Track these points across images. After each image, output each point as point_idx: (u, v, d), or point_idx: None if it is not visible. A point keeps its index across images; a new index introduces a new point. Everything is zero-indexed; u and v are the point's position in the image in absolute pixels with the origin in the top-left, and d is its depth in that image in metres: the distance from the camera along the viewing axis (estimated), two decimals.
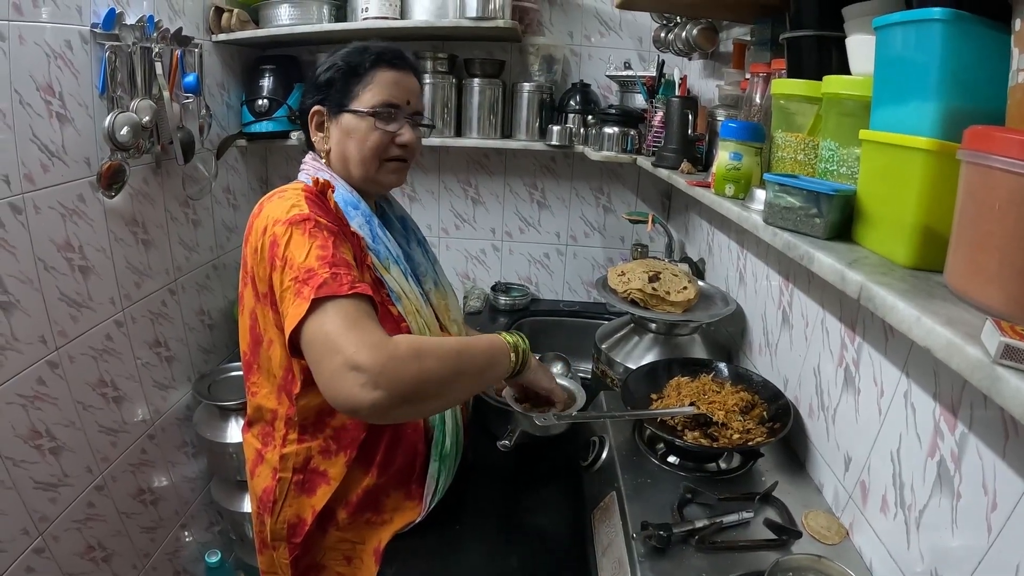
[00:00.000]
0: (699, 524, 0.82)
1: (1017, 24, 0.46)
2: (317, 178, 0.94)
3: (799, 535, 0.82)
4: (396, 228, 1.13)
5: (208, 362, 1.83)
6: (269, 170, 2.15)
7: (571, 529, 1.01)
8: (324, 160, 1.02)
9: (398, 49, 1.03)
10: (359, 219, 0.97)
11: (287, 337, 0.78)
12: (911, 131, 0.57)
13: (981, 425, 0.64)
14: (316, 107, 1.00)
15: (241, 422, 1.67)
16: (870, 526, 0.82)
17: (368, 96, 0.97)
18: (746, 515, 0.85)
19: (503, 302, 2.03)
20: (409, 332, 0.96)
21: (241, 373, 1.76)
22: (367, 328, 0.74)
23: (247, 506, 1.73)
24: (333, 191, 0.93)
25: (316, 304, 0.75)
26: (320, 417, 0.94)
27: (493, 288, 2.10)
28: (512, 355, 0.92)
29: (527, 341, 0.96)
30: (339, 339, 0.73)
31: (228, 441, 1.65)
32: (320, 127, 1.01)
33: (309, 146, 1.05)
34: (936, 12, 0.51)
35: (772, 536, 0.82)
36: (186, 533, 1.75)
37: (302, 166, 1.03)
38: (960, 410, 0.67)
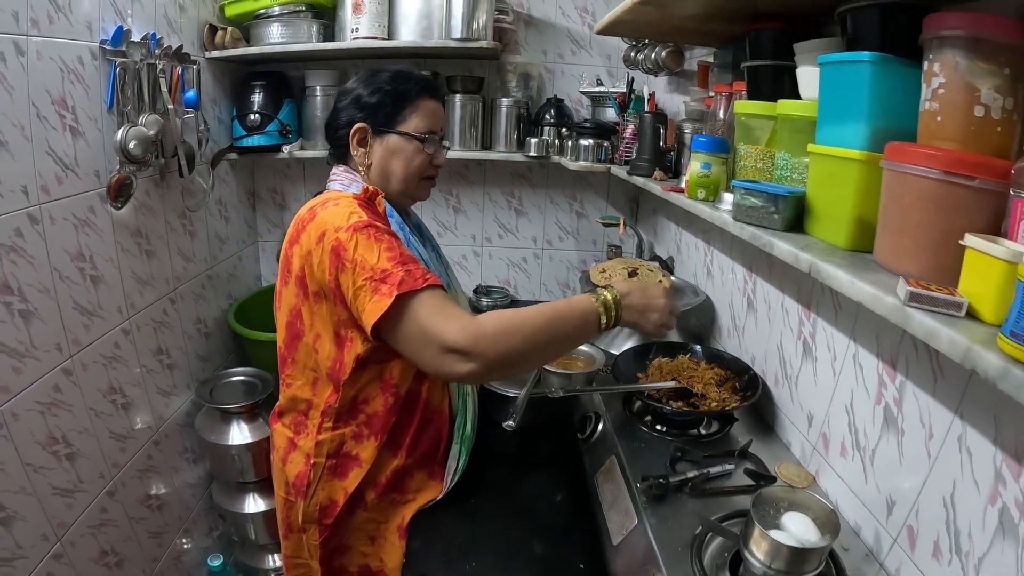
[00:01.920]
0: (690, 475, 0.97)
1: (926, 64, 0.63)
2: (367, 187, 1.03)
3: (774, 480, 0.98)
4: (415, 234, 1.24)
5: (205, 369, 1.88)
6: (256, 183, 2.21)
7: (576, 494, 1.14)
8: (363, 173, 1.10)
9: (435, 81, 1.15)
10: (394, 226, 1.06)
11: (369, 329, 0.88)
12: (847, 145, 0.73)
13: (915, 372, 0.82)
14: (361, 124, 1.07)
15: (243, 424, 1.74)
16: (833, 470, 0.98)
17: (415, 121, 1.08)
18: (728, 467, 1.01)
19: (485, 304, 2.16)
20: None
21: (240, 379, 1.85)
22: (450, 312, 0.87)
23: (249, 507, 1.79)
24: (381, 197, 1.03)
25: (400, 300, 0.86)
26: (355, 404, 1.04)
27: (475, 291, 2.23)
28: (602, 317, 0.95)
29: (618, 294, 0.97)
30: (429, 328, 0.85)
31: (231, 443, 1.70)
32: (362, 143, 1.08)
33: (337, 160, 1.13)
34: (865, 55, 0.68)
35: (751, 482, 0.98)
36: (187, 538, 1.78)
37: (333, 176, 1.11)
38: (898, 363, 0.84)
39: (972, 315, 0.55)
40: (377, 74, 1.10)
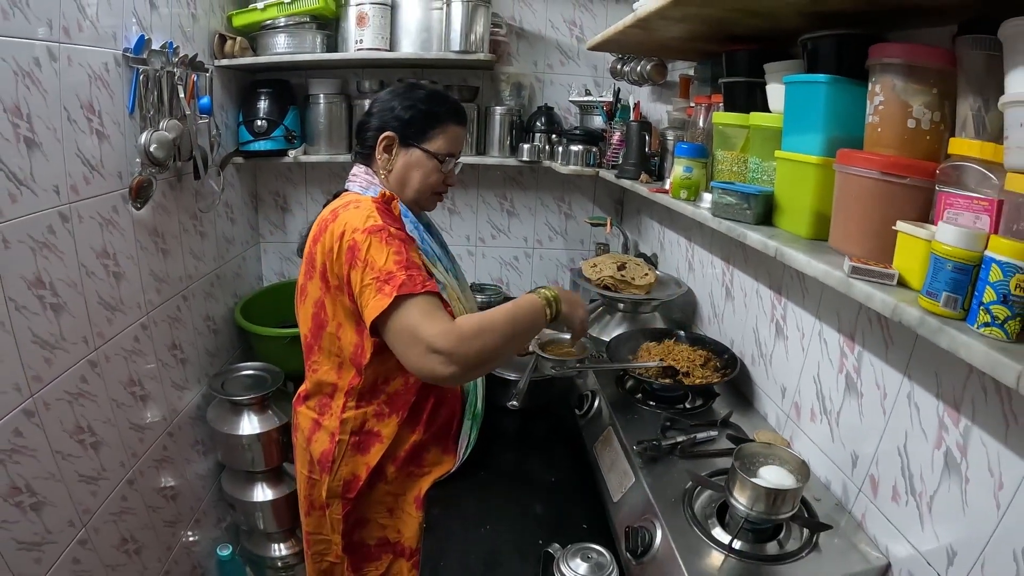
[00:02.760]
0: (679, 439, 1.10)
1: (870, 85, 0.78)
2: (385, 191, 1.13)
3: (753, 443, 1.12)
4: (428, 233, 1.34)
5: (213, 364, 1.95)
6: (259, 186, 2.29)
7: (575, 463, 1.27)
8: (383, 176, 1.20)
9: (464, 107, 1.26)
10: (409, 225, 1.17)
11: (368, 324, 0.99)
12: (807, 151, 0.88)
13: (871, 342, 0.96)
14: (390, 133, 1.16)
15: (253, 416, 1.82)
16: (805, 434, 1.13)
17: (440, 142, 1.18)
18: (712, 434, 1.14)
19: (479, 300, 2.26)
20: (453, 315, 1.16)
21: (248, 373, 1.93)
22: (438, 318, 0.97)
23: (257, 496, 1.87)
24: (397, 202, 1.13)
25: (398, 300, 0.97)
26: (376, 384, 1.14)
27: (470, 288, 2.34)
28: (547, 309, 1.11)
29: (554, 292, 1.14)
30: (418, 330, 0.96)
31: (241, 433, 1.78)
32: (388, 150, 1.18)
33: (361, 159, 1.22)
34: (822, 77, 0.83)
35: (733, 445, 1.11)
36: (198, 528, 1.84)
37: (352, 178, 1.21)
38: (856, 335, 0.99)
39: (904, 285, 0.70)
40: (415, 89, 1.20)
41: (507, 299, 2.35)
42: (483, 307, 2.23)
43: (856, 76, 0.83)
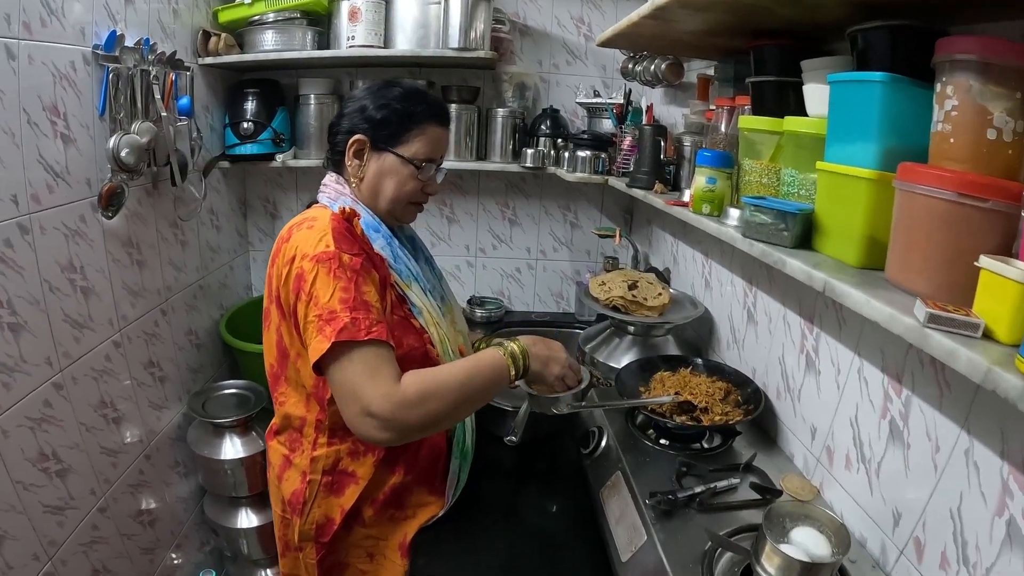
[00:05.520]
0: (697, 490, 0.97)
1: (938, 86, 0.64)
2: (344, 208, 1.00)
3: (780, 493, 0.99)
4: (407, 247, 1.20)
5: (196, 381, 1.84)
6: (248, 192, 2.18)
7: (579, 509, 1.14)
8: (354, 185, 1.08)
9: (446, 107, 1.14)
10: (381, 241, 1.05)
11: (311, 366, 0.89)
12: (857, 164, 0.74)
13: (921, 387, 0.83)
14: (361, 136, 1.04)
15: (236, 439, 1.71)
16: (837, 482, 0.99)
17: (416, 146, 1.05)
18: (734, 481, 1.01)
19: (479, 315, 2.15)
20: (431, 343, 1.05)
21: (232, 391, 1.81)
22: (380, 377, 0.87)
23: (242, 522, 1.75)
24: (359, 219, 1.00)
25: (336, 348, 0.86)
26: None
27: (469, 302, 2.22)
28: (512, 370, 0.98)
29: (523, 345, 1.01)
30: (357, 388, 0.86)
31: (223, 458, 1.67)
32: (359, 155, 1.06)
33: (332, 165, 1.10)
34: (877, 75, 0.69)
35: (757, 496, 0.98)
36: (179, 553, 1.74)
37: (322, 188, 1.09)
38: (904, 377, 0.85)
39: (987, 335, 0.56)
40: (390, 87, 1.07)
41: (508, 313, 2.28)
42: (482, 323, 2.14)
43: (915, 75, 0.70)
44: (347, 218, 0.98)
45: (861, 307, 0.65)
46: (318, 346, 0.87)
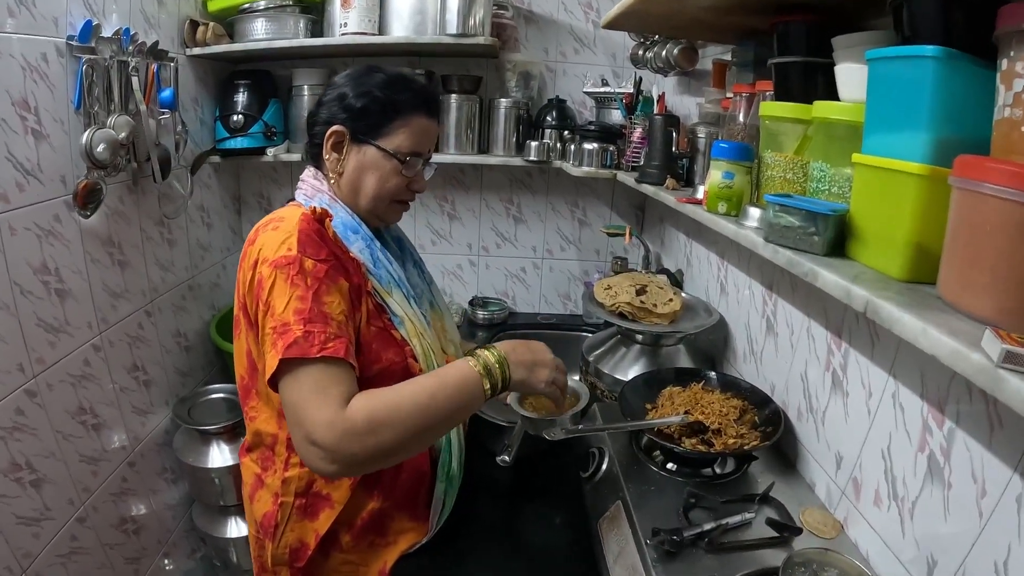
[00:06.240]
0: (707, 527, 0.85)
1: (1004, 63, 0.52)
2: (316, 207, 0.91)
3: (799, 531, 0.87)
4: (392, 249, 1.10)
5: (185, 385, 1.77)
6: (242, 187, 2.10)
7: (575, 539, 1.03)
8: (333, 181, 0.99)
9: (435, 95, 1.04)
10: (360, 243, 0.96)
11: (266, 381, 0.81)
12: (904, 156, 0.62)
13: (968, 420, 0.70)
14: (340, 127, 0.96)
15: (223, 446, 1.64)
16: (864, 519, 0.87)
17: (400, 139, 0.96)
18: (748, 516, 0.89)
19: (481, 316, 2.05)
20: (413, 355, 0.96)
21: (222, 396, 1.74)
22: (327, 401, 0.77)
23: (231, 531, 1.69)
24: (331, 220, 0.91)
25: (285, 364, 0.78)
26: None
27: (471, 303, 2.12)
28: (486, 382, 0.85)
29: (501, 353, 0.88)
30: (301, 412, 0.77)
31: (210, 466, 1.60)
32: (337, 148, 0.97)
33: (311, 159, 1.02)
34: (929, 50, 0.57)
35: (774, 534, 0.87)
36: (168, 561, 1.68)
37: (300, 184, 1.01)
38: (947, 407, 0.73)
39: None
40: (372, 74, 0.98)
41: (512, 315, 2.17)
42: (485, 325, 2.04)
43: (974, 51, 0.57)
44: (318, 218, 0.89)
45: (916, 337, 0.53)
46: (270, 361, 0.79)
